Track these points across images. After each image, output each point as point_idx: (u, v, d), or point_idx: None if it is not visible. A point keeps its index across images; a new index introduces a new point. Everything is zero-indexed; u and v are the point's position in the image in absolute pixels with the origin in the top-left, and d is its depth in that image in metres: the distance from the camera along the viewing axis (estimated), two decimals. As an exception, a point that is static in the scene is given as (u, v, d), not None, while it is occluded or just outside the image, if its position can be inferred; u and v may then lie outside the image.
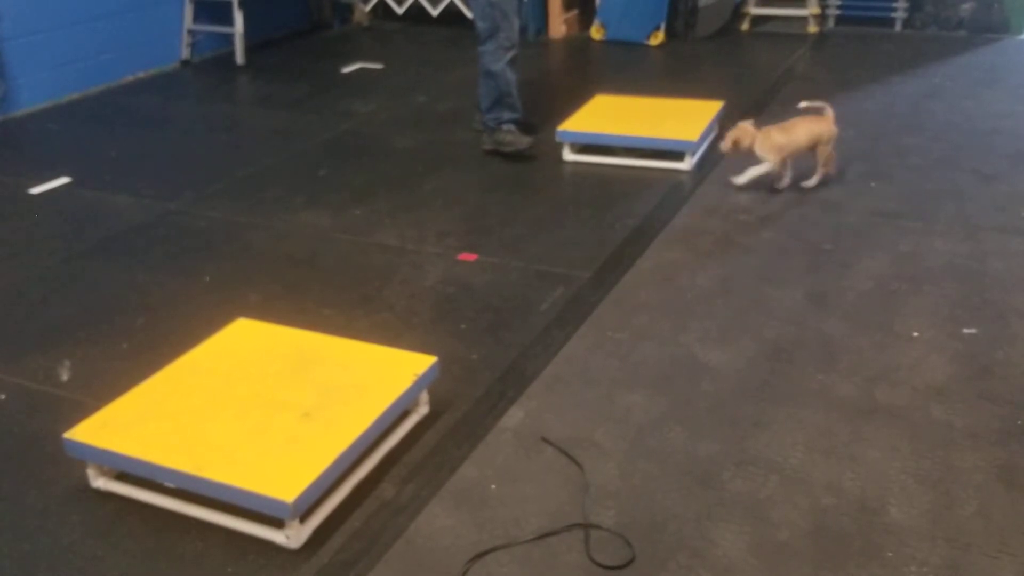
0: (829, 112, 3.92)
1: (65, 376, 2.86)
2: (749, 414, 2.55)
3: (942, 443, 2.41)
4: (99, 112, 5.49)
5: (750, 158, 3.93)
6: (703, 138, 4.32)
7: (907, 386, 2.65)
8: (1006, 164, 4.23)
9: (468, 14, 6.86)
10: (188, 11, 6.37)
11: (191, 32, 6.44)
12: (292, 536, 2.12)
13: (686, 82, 5.70)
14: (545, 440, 2.46)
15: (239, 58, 6.40)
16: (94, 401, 2.51)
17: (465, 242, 3.64)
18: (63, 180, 4.38)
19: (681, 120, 4.35)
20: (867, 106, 5.13)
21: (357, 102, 5.54)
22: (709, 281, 3.28)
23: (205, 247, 3.70)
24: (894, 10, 6.77)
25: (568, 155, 4.45)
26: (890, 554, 2.05)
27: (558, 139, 4.43)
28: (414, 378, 2.44)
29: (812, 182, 3.99)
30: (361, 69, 6.30)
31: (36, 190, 4.28)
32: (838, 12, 6.92)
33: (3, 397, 2.75)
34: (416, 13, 7.38)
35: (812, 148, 3.92)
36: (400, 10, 7.45)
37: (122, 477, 2.33)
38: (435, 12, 7.31)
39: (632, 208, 3.89)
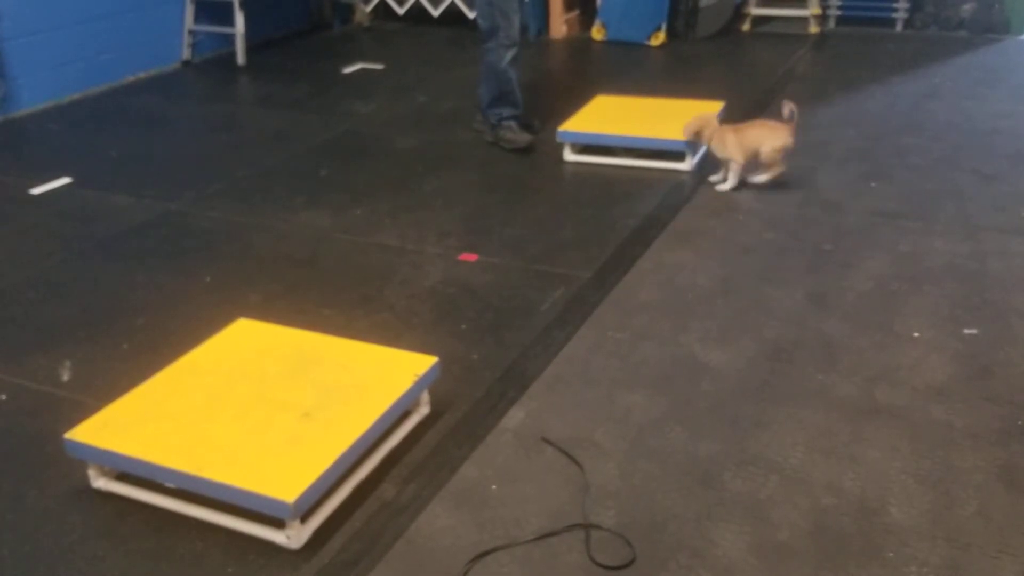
0: (790, 124, 3.90)
1: (66, 376, 2.86)
2: (749, 414, 2.55)
3: (942, 443, 2.41)
4: (100, 112, 5.49)
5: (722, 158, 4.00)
6: (703, 138, 4.32)
7: (907, 386, 2.65)
8: (1006, 164, 4.23)
9: (470, 14, 6.88)
10: (189, 11, 6.37)
11: (192, 32, 6.44)
12: (293, 536, 2.12)
13: (687, 82, 5.70)
14: (546, 440, 2.46)
15: (240, 58, 6.40)
16: (95, 401, 2.51)
17: (466, 242, 3.64)
18: (64, 180, 4.39)
19: (682, 120, 4.34)
20: (867, 106, 5.13)
21: (358, 102, 5.54)
22: (709, 281, 3.28)
23: (205, 247, 3.70)
24: (895, 10, 6.78)
25: (569, 155, 4.45)
26: (890, 554, 2.05)
27: (559, 139, 4.43)
28: (415, 378, 2.44)
29: (761, 178, 4.00)
30: (362, 69, 6.30)
31: (37, 190, 4.29)
32: (839, 12, 6.92)
33: (3, 397, 2.75)
34: (417, 13, 7.38)
35: (759, 152, 3.92)
36: (401, 10, 7.45)
37: (123, 477, 2.33)
38: (436, 12, 7.31)
39: (633, 208, 3.89)
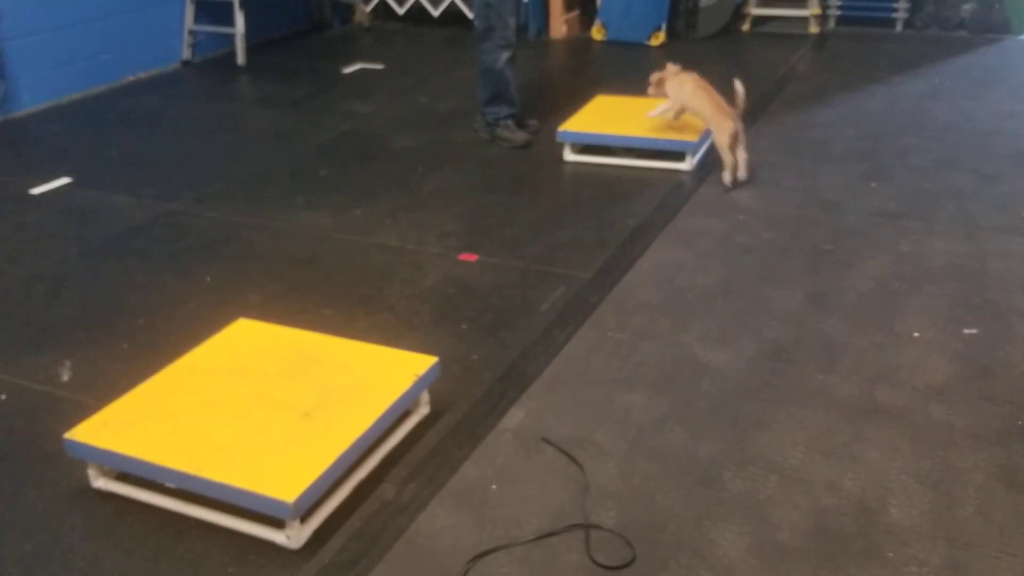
0: (734, 107, 3.96)
1: (66, 376, 2.86)
2: (749, 414, 2.55)
3: (942, 443, 2.41)
4: (100, 112, 5.49)
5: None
6: (703, 138, 4.32)
7: (907, 386, 2.65)
8: (1006, 164, 4.23)
9: (470, 14, 6.88)
10: (189, 11, 6.37)
11: (192, 32, 6.45)
12: (293, 536, 2.12)
13: (687, 82, 5.69)
14: (545, 440, 2.46)
15: (240, 58, 6.40)
16: (95, 401, 2.51)
17: (466, 242, 3.64)
18: (64, 180, 4.39)
19: (681, 120, 4.34)
20: (868, 106, 5.13)
21: (358, 102, 5.54)
22: (709, 281, 3.28)
23: (205, 247, 3.70)
24: (895, 10, 6.77)
25: (569, 155, 4.45)
26: (890, 554, 2.05)
27: (559, 139, 4.43)
28: (415, 378, 2.44)
29: (729, 177, 4.03)
30: (362, 69, 6.30)
31: (37, 190, 4.29)
32: (839, 12, 6.92)
33: (3, 397, 2.75)
34: (417, 13, 7.39)
35: (694, 115, 4.11)
36: (401, 10, 7.46)
37: (123, 477, 2.33)
38: (436, 12, 7.31)
39: (632, 208, 3.89)
